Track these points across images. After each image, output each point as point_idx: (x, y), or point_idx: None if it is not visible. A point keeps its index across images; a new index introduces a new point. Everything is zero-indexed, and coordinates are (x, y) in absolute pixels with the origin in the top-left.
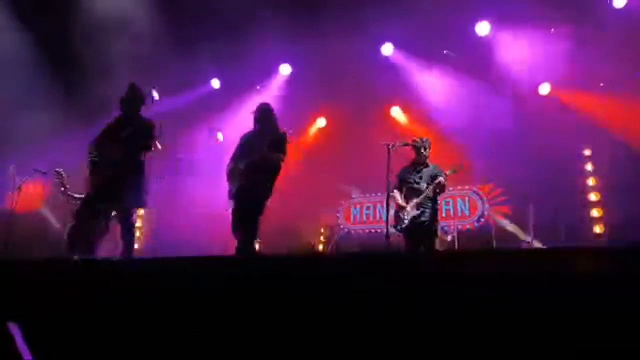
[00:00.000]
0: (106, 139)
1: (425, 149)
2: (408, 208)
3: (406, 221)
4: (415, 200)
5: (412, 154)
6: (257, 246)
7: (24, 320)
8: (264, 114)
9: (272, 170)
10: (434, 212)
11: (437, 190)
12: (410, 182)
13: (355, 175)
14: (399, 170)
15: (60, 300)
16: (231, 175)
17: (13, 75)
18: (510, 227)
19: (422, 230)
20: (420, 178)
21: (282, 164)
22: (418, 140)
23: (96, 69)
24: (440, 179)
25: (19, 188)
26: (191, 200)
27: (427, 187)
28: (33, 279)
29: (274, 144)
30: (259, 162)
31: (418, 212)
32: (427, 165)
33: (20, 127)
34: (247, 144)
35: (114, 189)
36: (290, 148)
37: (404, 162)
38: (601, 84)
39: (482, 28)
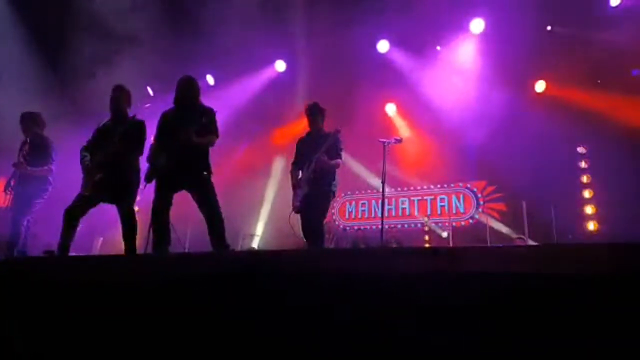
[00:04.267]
0: (98, 141)
1: (314, 115)
2: (299, 186)
3: (298, 202)
4: (305, 176)
5: (406, 149)
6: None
7: (22, 319)
8: (188, 89)
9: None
10: (327, 185)
11: (330, 165)
12: (304, 155)
13: (350, 172)
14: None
15: (56, 298)
16: (153, 155)
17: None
18: (499, 225)
19: (310, 209)
20: (315, 149)
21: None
22: (308, 107)
23: (90, 66)
24: (338, 160)
25: None
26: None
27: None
28: (30, 277)
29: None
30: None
31: (308, 188)
32: (325, 135)
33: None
34: (168, 126)
35: (110, 190)
36: (285, 145)
37: (398, 159)
38: (598, 81)
39: (477, 25)
